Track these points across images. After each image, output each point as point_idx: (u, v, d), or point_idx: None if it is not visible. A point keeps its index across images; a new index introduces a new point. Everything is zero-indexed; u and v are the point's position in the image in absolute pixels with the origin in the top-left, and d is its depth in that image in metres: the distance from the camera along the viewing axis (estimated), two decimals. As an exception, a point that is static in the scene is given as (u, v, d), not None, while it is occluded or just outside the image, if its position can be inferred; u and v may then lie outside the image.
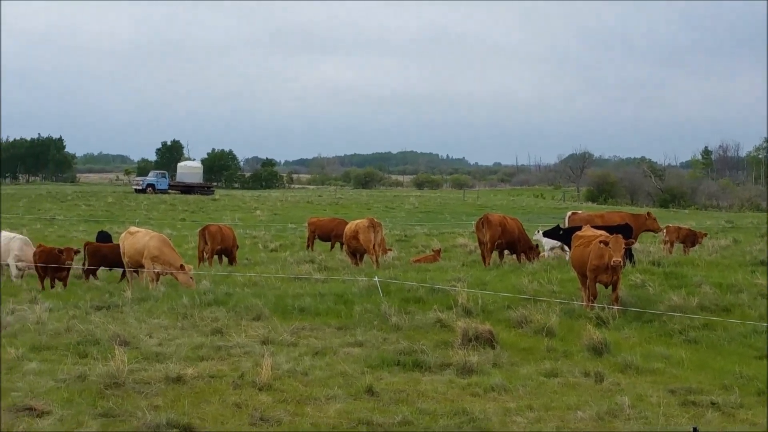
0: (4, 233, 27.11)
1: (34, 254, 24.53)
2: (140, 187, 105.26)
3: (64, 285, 23.82)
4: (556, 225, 27.64)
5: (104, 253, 25.41)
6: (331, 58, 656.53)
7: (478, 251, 28.49)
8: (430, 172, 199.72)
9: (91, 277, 25.86)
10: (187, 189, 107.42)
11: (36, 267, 24.33)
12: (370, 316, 17.49)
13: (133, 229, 25.30)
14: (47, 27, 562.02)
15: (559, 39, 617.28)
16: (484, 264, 26.48)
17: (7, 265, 25.65)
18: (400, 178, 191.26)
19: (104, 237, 31.16)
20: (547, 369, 13.42)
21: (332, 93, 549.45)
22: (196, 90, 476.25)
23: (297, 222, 56.59)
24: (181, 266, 22.81)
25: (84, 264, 26.14)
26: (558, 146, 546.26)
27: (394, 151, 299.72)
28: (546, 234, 26.95)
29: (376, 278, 20.54)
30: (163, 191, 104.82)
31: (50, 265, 23.88)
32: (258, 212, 70.91)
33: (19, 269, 25.41)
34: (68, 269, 24.14)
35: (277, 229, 52.25)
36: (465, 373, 13.18)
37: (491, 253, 26.83)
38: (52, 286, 23.84)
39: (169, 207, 76.75)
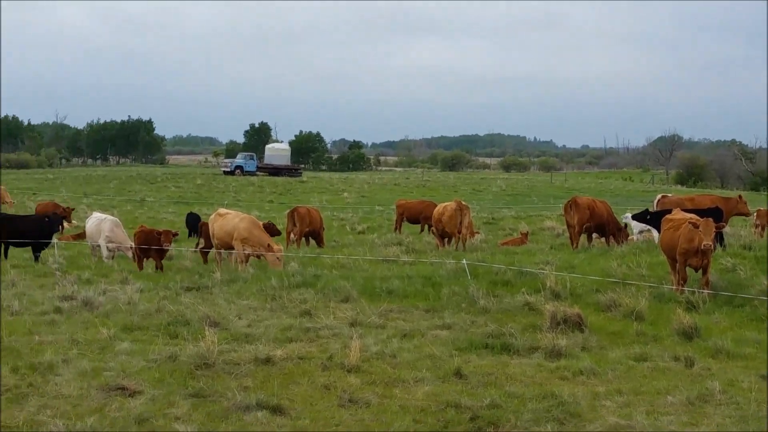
0: (96, 215, 27.68)
1: (135, 235, 24.89)
2: (228, 169, 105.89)
3: (160, 268, 24.03)
4: (644, 208, 27.40)
5: None
6: (420, 40, 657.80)
7: (566, 234, 28.37)
8: (517, 155, 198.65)
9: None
10: (275, 171, 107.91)
11: (135, 248, 24.66)
12: (458, 299, 17.48)
13: (222, 210, 25.53)
14: (144, 11, 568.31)
15: (649, 18, 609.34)
16: (572, 247, 26.33)
17: (99, 245, 26.04)
18: (487, 160, 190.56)
19: (193, 218, 31.55)
20: (637, 353, 13.28)
21: (420, 75, 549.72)
22: (284, 72, 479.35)
23: (384, 204, 56.74)
24: (269, 246, 22.89)
25: (197, 245, 26.60)
26: (646, 129, 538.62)
27: (481, 134, 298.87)
28: (634, 217, 26.74)
29: (464, 261, 20.51)
30: (251, 173, 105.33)
31: (149, 247, 24.22)
32: (345, 194, 71.18)
33: (109, 250, 25.78)
34: (165, 252, 24.45)
35: (365, 212, 52.39)
36: (553, 357, 13.12)
37: (579, 236, 26.65)
38: (159, 269, 24.08)
39: (257, 189, 77.36)
